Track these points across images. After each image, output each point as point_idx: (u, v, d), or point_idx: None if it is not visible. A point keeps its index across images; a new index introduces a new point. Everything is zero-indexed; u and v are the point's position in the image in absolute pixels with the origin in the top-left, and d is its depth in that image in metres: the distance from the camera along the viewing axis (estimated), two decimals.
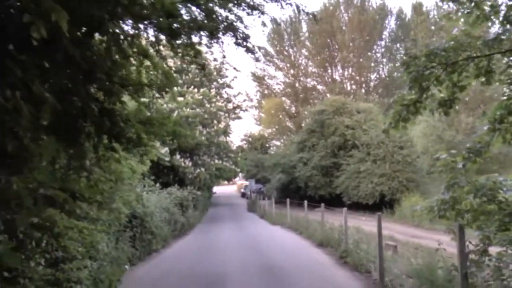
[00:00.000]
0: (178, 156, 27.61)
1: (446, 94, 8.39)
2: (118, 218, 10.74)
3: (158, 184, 21.56)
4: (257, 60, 11.99)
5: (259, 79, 65.87)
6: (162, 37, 6.98)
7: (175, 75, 23.34)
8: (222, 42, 7.58)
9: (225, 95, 34.25)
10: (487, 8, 8.37)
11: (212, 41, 7.57)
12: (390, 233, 18.31)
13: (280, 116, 64.00)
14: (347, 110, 40.73)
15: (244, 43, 7.51)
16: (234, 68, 12.84)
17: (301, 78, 64.49)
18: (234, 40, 7.72)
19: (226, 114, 32.67)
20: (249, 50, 7.79)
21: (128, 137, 6.34)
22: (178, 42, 7.22)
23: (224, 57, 8.87)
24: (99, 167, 6.91)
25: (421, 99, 8.19)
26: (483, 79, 8.15)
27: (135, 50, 6.15)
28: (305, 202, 21.92)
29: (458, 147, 28.78)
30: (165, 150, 24.73)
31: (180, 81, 27.93)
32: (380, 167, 33.88)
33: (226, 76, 34.02)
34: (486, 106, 28.77)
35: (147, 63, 6.87)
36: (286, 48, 64.29)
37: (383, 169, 33.53)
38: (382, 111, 42.19)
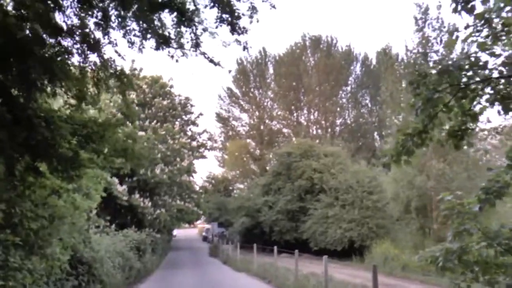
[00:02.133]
0: (137, 195, 25.62)
1: (456, 123, 7.14)
2: (52, 267, 8.79)
3: (113, 226, 19.70)
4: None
5: (223, 120, 64.87)
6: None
7: (137, 108, 21.66)
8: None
9: (189, 133, 32.76)
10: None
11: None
12: (362, 281, 17.10)
13: (244, 159, 62.68)
14: (314, 153, 39.76)
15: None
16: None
17: (267, 121, 63.79)
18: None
19: (190, 152, 31.06)
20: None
21: (59, 153, 4.79)
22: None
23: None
24: (26, 198, 5.36)
25: (427, 129, 6.94)
26: (499, 107, 6.98)
27: None
28: (275, 247, 20.34)
29: (428, 193, 28.09)
30: (123, 188, 22.86)
31: (142, 115, 26.38)
32: (349, 213, 32.77)
33: (191, 113, 32.66)
34: (456, 153, 28.29)
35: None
36: (252, 89, 63.82)
37: (352, 215, 32.42)
38: (349, 155, 41.44)
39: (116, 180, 21.95)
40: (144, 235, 22.36)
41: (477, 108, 7.03)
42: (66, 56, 5.30)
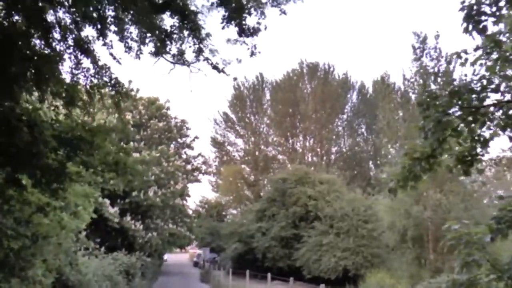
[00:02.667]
0: (128, 218, 25.03)
1: (465, 149, 6.82)
2: None
3: (103, 248, 19.15)
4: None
5: (218, 144, 64.59)
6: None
7: (132, 129, 21.35)
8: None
9: (184, 156, 32.35)
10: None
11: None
12: None
13: (239, 184, 62.12)
14: (309, 180, 39.41)
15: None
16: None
17: (262, 146, 63.56)
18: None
19: (184, 176, 30.57)
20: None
21: (43, 164, 4.44)
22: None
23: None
24: (7, 215, 4.96)
25: (435, 153, 6.62)
26: (511, 133, 6.68)
27: None
28: (268, 274, 19.80)
29: (425, 223, 27.68)
30: (114, 210, 22.33)
31: (138, 137, 26.01)
32: (343, 241, 32.33)
33: (187, 136, 32.30)
34: (452, 183, 28.04)
35: None
36: (248, 115, 63.72)
37: (347, 243, 31.99)
38: (344, 183, 41.10)
39: (107, 201, 21.46)
40: (134, 259, 21.73)
41: (487, 134, 6.75)
42: (57, 58, 4.98)
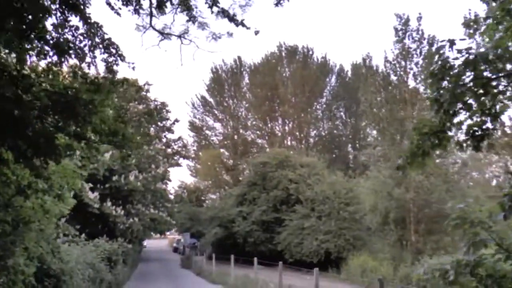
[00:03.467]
0: (109, 203, 24.34)
1: (476, 123, 6.47)
2: (15, 282, 7.66)
3: (83, 235, 18.53)
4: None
5: (196, 129, 63.87)
6: None
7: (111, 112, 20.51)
8: None
9: (164, 140, 31.67)
10: None
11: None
12: None
13: (217, 169, 61.68)
14: (290, 164, 39.24)
15: None
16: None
17: (241, 130, 63.07)
18: None
19: (165, 159, 29.93)
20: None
21: (28, 133, 3.95)
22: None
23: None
24: None
25: (444, 128, 6.26)
26: None
27: None
28: (255, 259, 19.48)
29: (407, 205, 27.75)
30: (94, 195, 21.65)
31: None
32: (325, 224, 32.30)
33: (167, 119, 31.60)
34: (434, 165, 28.10)
35: None
36: (226, 98, 63.08)
37: (329, 226, 31.96)
38: (324, 166, 40.96)
39: (87, 186, 20.75)
40: (116, 245, 21.16)
41: (498, 107, 6.42)
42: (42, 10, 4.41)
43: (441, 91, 5.78)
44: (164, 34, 6.75)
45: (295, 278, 22.88)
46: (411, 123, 27.57)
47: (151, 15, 6.61)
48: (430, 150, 6.40)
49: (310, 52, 59.89)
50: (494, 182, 43.97)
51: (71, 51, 5.05)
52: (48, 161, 5.61)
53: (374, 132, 36.42)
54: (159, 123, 31.11)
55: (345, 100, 61.83)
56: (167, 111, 29.84)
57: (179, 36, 7.19)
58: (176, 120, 32.54)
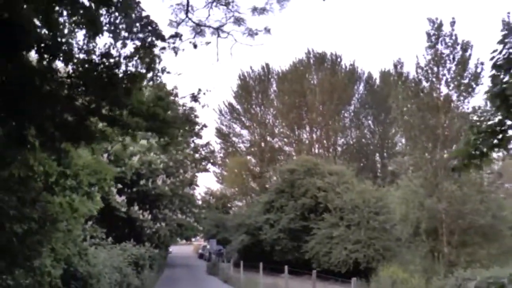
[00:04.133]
0: (136, 207, 24.19)
1: None
2: (41, 283, 7.34)
3: (110, 238, 18.39)
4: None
5: (223, 136, 63.80)
6: None
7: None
8: None
9: (192, 144, 31.49)
10: None
11: None
12: None
13: (244, 176, 61.44)
14: (319, 172, 38.64)
15: None
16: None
17: (268, 138, 62.74)
18: None
19: (193, 164, 29.74)
20: None
21: (57, 114, 3.68)
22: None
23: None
24: (8, 190, 4.10)
25: (505, 126, 5.71)
26: None
27: None
28: (286, 267, 19.04)
29: (439, 215, 26.89)
30: (122, 199, 21.53)
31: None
32: (354, 233, 31.66)
33: (196, 123, 31.44)
34: (467, 175, 27.19)
35: None
36: (254, 106, 62.89)
37: (358, 236, 31.32)
38: (353, 174, 40.27)
39: (114, 189, 20.66)
40: (143, 250, 20.98)
41: None
42: None
43: (504, 85, 5.27)
44: (201, 26, 6.45)
45: None
46: (443, 131, 26.88)
47: (187, 6, 6.33)
48: (488, 151, 5.90)
49: (339, 59, 59.42)
50: None
51: (104, 28, 4.74)
52: (79, 146, 5.25)
53: (403, 140, 35.55)
54: (186, 128, 30.90)
55: (373, 108, 61.00)
56: (195, 116, 29.60)
57: (217, 29, 6.90)
58: (204, 126, 32.38)
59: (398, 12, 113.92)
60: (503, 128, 5.62)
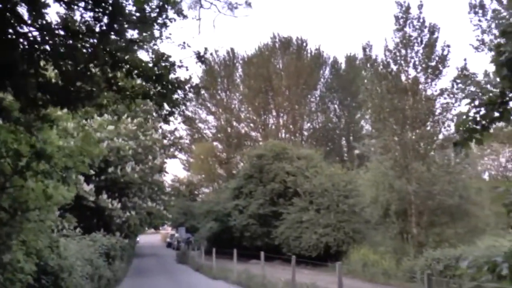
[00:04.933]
0: (105, 196, 23.37)
1: None
2: (11, 281, 6.71)
3: (78, 229, 17.70)
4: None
5: (189, 122, 62.87)
6: None
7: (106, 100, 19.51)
8: None
9: (160, 130, 30.65)
10: None
11: None
12: None
13: (211, 162, 60.85)
14: (287, 156, 38.48)
15: None
16: None
17: (234, 123, 62.21)
18: None
19: (162, 151, 28.96)
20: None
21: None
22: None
23: None
24: None
25: (506, 98, 5.47)
26: None
27: None
28: (262, 253, 18.73)
29: (408, 197, 27.16)
30: (90, 187, 20.72)
31: (110, 108, 24.26)
32: (324, 217, 31.71)
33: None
34: (435, 155, 27.52)
35: None
36: (219, 91, 62.16)
37: (328, 219, 31.39)
38: (322, 158, 40.31)
39: (81, 178, 19.82)
40: (114, 240, 20.31)
41: None
42: None
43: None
44: None
45: (298, 273, 22.24)
46: (412, 113, 27.04)
47: None
48: (489, 124, 5.65)
49: (304, 44, 59.17)
50: (486, 175, 43.83)
51: None
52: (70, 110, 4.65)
53: (369, 124, 35.53)
54: (154, 113, 30.05)
55: (339, 93, 61.30)
56: None
57: None
58: (172, 111, 31.53)
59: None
60: (504, 100, 5.37)
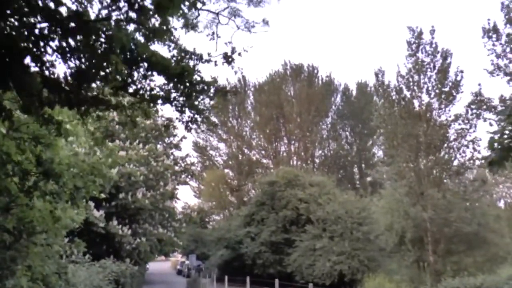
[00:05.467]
0: (115, 222, 23.06)
1: None
2: None
3: (87, 255, 17.39)
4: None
5: (200, 149, 62.89)
6: None
7: (117, 127, 19.48)
8: None
9: (171, 156, 30.51)
10: None
11: None
12: None
13: (221, 189, 60.58)
14: (299, 183, 38.11)
15: None
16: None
17: (245, 150, 62.10)
18: None
19: (174, 177, 28.74)
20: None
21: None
22: None
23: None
24: None
25: None
26: None
27: None
28: (276, 281, 18.26)
29: (424, 224, 26.59)
30: (100, 213, 20.47)
31: (123, 135, 24.17)
32: (338, 245, 31.09)
33: (175, 135, 30.50)
34: (451, 182, 27.04)
35: None
36: (231, 118, 62.26)
37: (342, 247, 30.77)
38: (334, 185, 39.89)
39: (92, 204, 19.62)
40: (124, 267, 19.92)
41: None
42: None
43: None
44: (199, 10, 5.76)
45: None
46: (425, 139, 26.67)
47: None
48: None
49: (315, 71, 59.38)
50: (501, 203, 43.00)
51: None
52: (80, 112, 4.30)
53: (381, 152, 34.98)
54: (166, 140, 30.04)
55: (350, 120, 61.09)
56: (174, 127, 28.70)
57: (217, 14, 6.27)
58: (184, 137, 31.52)
59: (373, 25, 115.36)
60: None
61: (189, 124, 5.47)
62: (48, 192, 6.17)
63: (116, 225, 23.24)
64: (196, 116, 5.64)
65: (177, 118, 5.42)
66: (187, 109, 5.42)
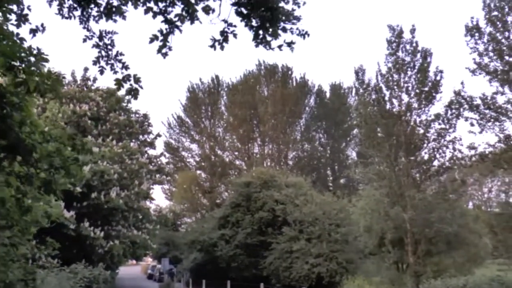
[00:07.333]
0: (86, 224, 21.69)
1: None
2: None
3: (56, 259, 16.18)
4: None
5: (172, 150, 61.63)
6: None
7: (89, 122, 18.33)
8: None
9: (146, 155, 29.27)
10: None
11: None
12: None
13: (194, 191, 59.41)
14: (275, 184, 37.37)
15: None
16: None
17: (218, 152, 61.13)
18: None
19: (149, 176, 27.49)
20: None
21: None
22: None
23: None
24: None
25: None
26: None
27: None
28: (261, 285, 17.43)
29: (404, 225, 26.22)
30: (70, 214, 19.19)
31: (95, 132, 22.92)
32: (315, 247, 30.49)
33: (149, 133, 29.28)
34: (430, 182, 26.79)
35: None
36: (203, 119, 61.25)
37: (320, 249, 30.22)
38: (311, 186, 39.36)
39: (62, 204, 18.24)
40: (97, 272, 18.69)
41: None
42: None
43: None
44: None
45: None
46: (406, 139, 26.33)
47: None
48: None
49: (290, 72, 58.89)
50: (470, 204, 43.43)
51: None
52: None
53: (354, 154, 34.57)
54: (140, 137, 28.78)
55: (324, 121, 60.83)
56: (149, 125, 27.55)
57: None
58: (158, 135, 30.35)
59: (348, 26, 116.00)
60: None
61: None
62: (15, 174, 4.85)
63: (88, 227, 21.84)
64: None
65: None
66: None
